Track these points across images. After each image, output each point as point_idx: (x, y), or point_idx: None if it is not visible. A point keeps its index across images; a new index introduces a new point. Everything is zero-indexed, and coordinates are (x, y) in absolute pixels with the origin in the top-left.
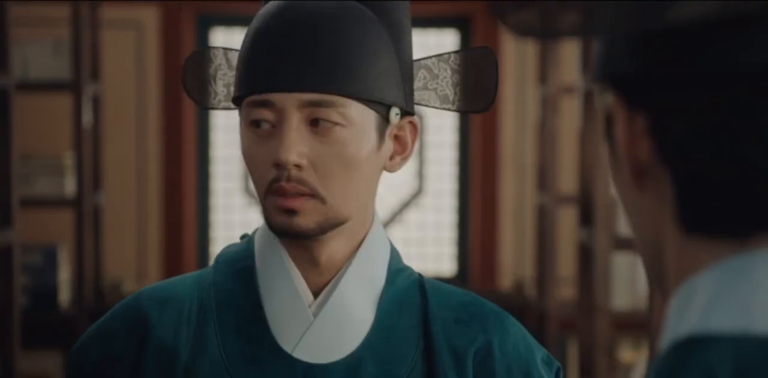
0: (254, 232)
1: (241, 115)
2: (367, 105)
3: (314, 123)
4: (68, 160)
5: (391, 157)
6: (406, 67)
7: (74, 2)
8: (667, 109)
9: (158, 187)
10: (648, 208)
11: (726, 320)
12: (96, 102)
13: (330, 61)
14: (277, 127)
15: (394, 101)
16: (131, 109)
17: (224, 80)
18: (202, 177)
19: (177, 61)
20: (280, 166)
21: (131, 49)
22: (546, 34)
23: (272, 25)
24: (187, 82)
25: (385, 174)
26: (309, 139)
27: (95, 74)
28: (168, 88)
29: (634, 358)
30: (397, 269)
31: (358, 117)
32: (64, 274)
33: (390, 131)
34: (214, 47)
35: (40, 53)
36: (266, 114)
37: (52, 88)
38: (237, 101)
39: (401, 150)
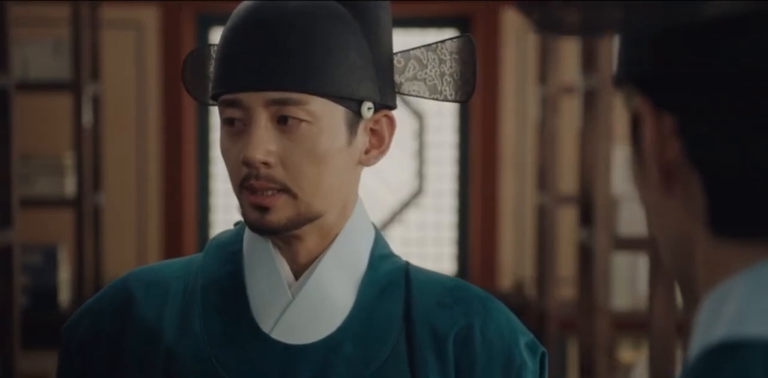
0: None
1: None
2: (335, 101)
3: (282, 120)
4: (68, 160)
5: (367, 151)
6: (382, 62)
7: (74, 2)
8: (695, 109)
9: (158, 187)
10: (675, 211)
11: (759, 326)
12: (96, 102)
13: (294, 58)
14: (247, 125)
15: (366, 96)
16: (131, 109)
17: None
18: (202, 177)
19: (177, 61)
20: (248, 164)
21: (131, 49)
22: (570, 31)
23: (239, 24)
24: (186, 79)
25: (385, 174)
26: (277, 137)
27: (95, 74)
28: (168, 88)
29: (634, 358)
30: (380, 255)
31: (325, 113)
32: (64, 274)
33: (365, 125)
34: (213, 44)
35: (40, 53)
36: (236, 113)
37: (52, 88)
38: (215, 99)
39: (378, 144)
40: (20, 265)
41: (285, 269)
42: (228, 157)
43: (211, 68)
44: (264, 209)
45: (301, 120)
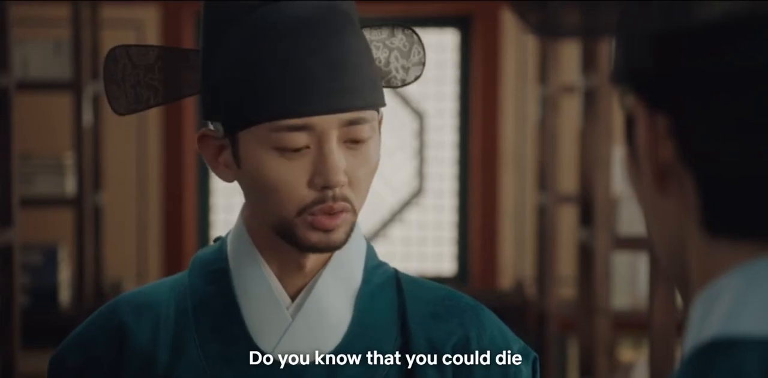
0: (227, 234)
1: (248, 135)
2: (377, 111)
3: (351, 141)
4: (68, 159)
5: None
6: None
7: (74, 2)
8: (689, 110)
9: (158, 186)
10: (670, 210)
11: (752, 323)
12: (96, 101)
13: (353, 75)
14: (314, 147)
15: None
16: None
17: (130, 81)
18: (203, 176)
19: None
20: (328, 187)
21: None
22: (567, 34)
23: (287, 40)
24: (106, 88)
25: (385, 174)
26: (346, 156)
27: (95, 74)
28: None
29: (634, 357)
30: (373, 266)
31: (375, 126)
32: (65, 274)
33: None
34: (118, 47)
35: (40, 53)
36: (302, 137)
37: (53, 88)
38: (242, 122)
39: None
40: (20, 264)
41: (279, 289)
42: (282, 182)
43: (119, 73)
44: (330, 230)
45: (367, 137)
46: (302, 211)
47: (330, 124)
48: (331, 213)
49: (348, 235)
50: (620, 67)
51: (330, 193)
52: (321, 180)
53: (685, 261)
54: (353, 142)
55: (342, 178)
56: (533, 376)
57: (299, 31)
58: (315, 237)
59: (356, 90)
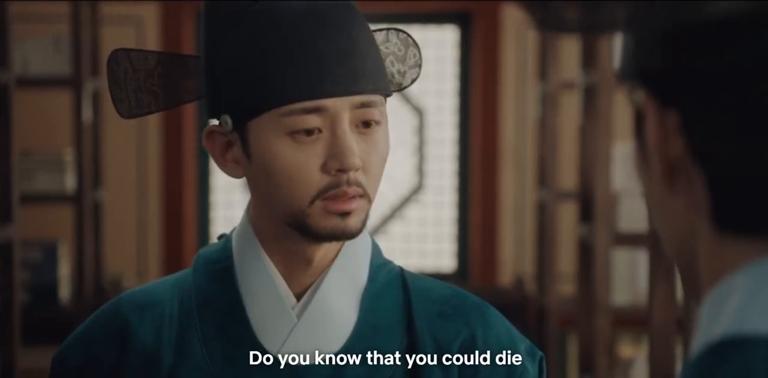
0: (231, 232)
1: (259, 124)
2: (385, 99)
3: (365, 124)
4: (68, 156)
5: None
6: None
7: None
8: (699, 106)
9: (158, 183)
10: (679, 207)
11: (762, 322)
12: (96, 98)
13: (363, 61)
14: (326, 131)
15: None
16: None
17: (132, 85)
18: (203, 173)
19: None
20: (343, 171)
21: (131, 45)
22: (572, 30)
23: (294, 28)
24: (110, 90)
25: (385, 170)
26: (358, 141)
27: (95, 71)
28: None
29: (634, 353)
30: (378, 265)
31: (385, 112)
32: (64, 270)
33: None
34: (119, 50)
35: (39, 50)
36: (315, 120)
37: (52, 85)
38: (254, 110)
39: None
40: (20, 261)
41: (284, 288)
42: (296, 168)
43: (121, 76)
44: (346, 214)
45: (377, 122)
46: (315, 198)
47: (342, 106)
48: (343, 197)
49: (363, 224)
50: (630, 63)
51: (344, 176)
52: (335, 163)
53: (694, 258)
54: (365, 126)
55: (357, 160)
56: (540, 375)
57: (307, 21)
58: (331, 223)
59: (366, 74)
